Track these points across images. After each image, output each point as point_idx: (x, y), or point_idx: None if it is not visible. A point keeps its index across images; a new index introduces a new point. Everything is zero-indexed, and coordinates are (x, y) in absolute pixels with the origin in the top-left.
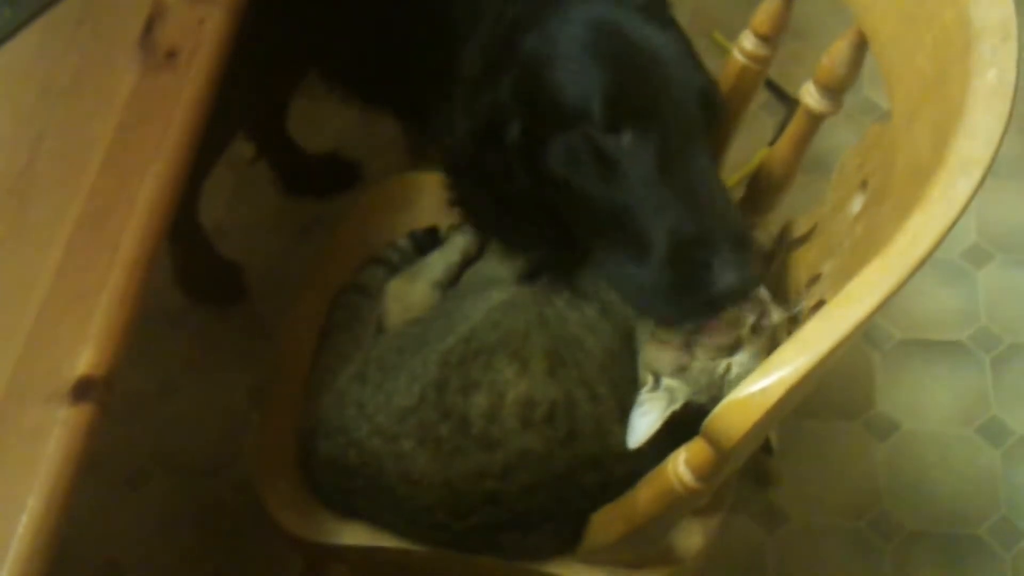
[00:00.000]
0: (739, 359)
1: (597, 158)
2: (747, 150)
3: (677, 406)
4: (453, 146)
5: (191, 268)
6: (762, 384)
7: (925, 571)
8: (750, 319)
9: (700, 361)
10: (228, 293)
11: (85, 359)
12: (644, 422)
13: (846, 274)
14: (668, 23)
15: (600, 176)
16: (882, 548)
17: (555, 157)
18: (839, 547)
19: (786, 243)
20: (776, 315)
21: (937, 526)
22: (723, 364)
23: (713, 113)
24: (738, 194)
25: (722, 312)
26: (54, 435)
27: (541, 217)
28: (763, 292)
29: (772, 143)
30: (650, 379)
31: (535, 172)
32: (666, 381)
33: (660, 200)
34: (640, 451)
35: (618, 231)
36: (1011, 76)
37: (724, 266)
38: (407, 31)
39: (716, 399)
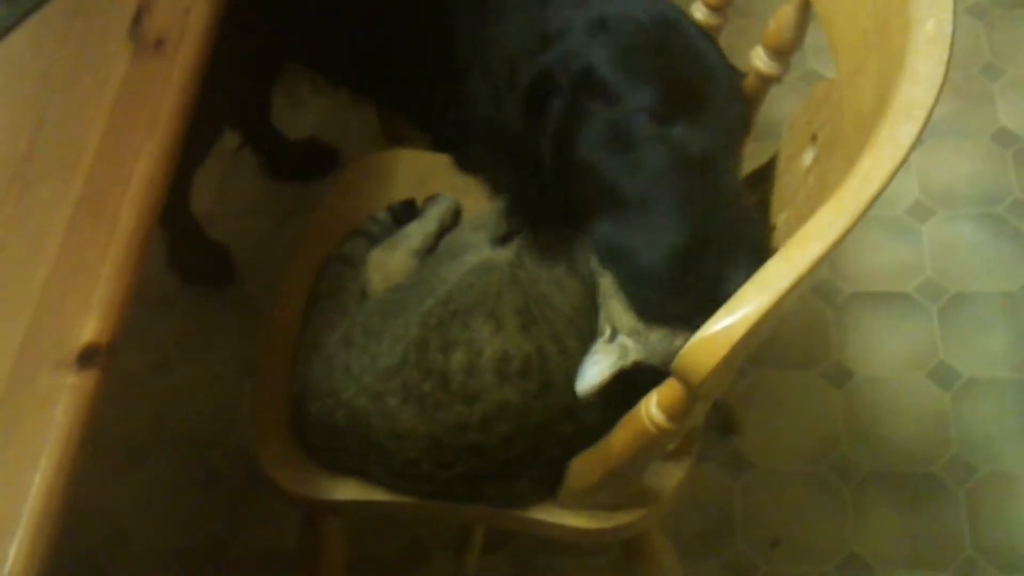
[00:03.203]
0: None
1: (638, 144)
2: None
3: (627, 363)
4: (491, 116)
5: (183, 252)
6: (727, 322)
7: (884, 509)
8: None
9: (658, 332)
10: (219, 274)
11: (90, 327)
12: (594, 371)
13: (801, 222)
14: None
15: (634, 162)
16: (842, 489)
17: (591, 138)
18: (802, 490)
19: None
20: None
21: (894, 466)
22: (681, 337)
23: (746, 134)
24: None
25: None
26: (63, 400)
27: (553, 195)
28: None
29: None
30: (608, 331)
31: (564, 150)
32: (622, 337)
33: (690, 195)
34: (608, 400)
35: (636, 217)
36: (948, 26)
37: (736, 276)
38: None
39: (668, 365)
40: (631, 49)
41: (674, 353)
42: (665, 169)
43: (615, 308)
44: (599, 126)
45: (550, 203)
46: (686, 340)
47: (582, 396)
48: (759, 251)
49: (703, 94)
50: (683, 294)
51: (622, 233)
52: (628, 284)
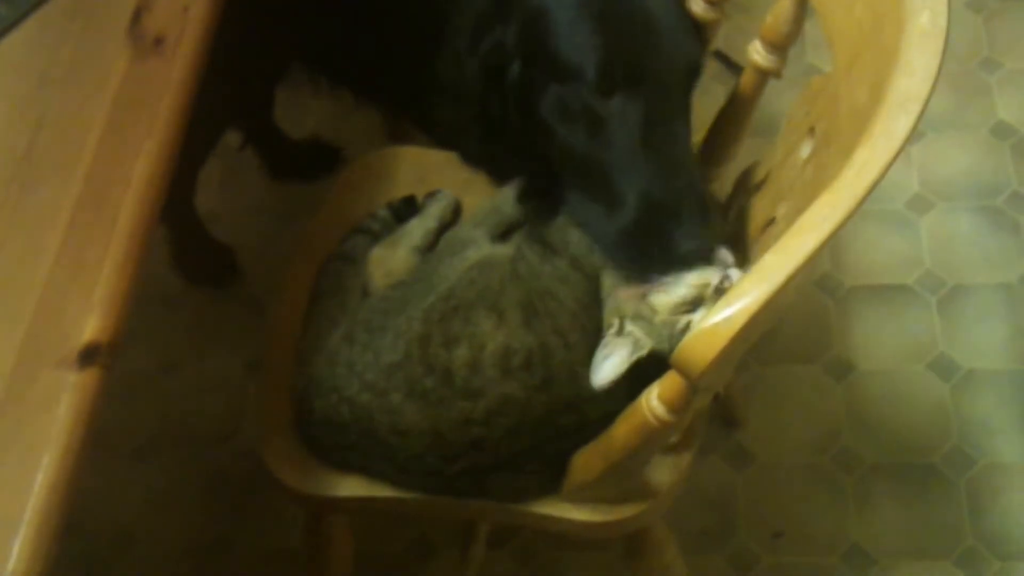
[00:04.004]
0: (699, 317)
1: (585, 115)
2: (698, 117)
3: (643, 353)
4: (458, 81)
5: (187, 252)
6: (726, 313)
7: (886, 500)
8: (714, 280)
9: (661, 316)
10: (222, 274)
11: (91, 326)
12: (609, 364)
13: (799, 214)
14: None
15: (585, 131)
16: (844, 481)
17: (547, 105)
18: (804, 482)
19: (742, 192)
20: (737, 278)
21: (894, 457)
22: (684, 320)
23: (696, 79)
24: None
25: (681, 271)
26: (65, 399)
27: (527, 156)
28: (726, 255)
29: None
30: (615, 323)
31: (528, 114)
32: (630, 327)
33: (637, 164)
34: (611, 393)
35: (594, 183)
36: (943, 19)
37: (685, 235)
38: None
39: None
40: (577, 20)
41: (678, 336)
42: (609, 140)
43: (619, 298)
44: (550, 97)
45: (525, 165)
46: (688, 324)
47: (599, 388)
48: (702, 209)
49: (645, 61)
50: (644, 254)
51: (582, 199)
52: (599, 247)
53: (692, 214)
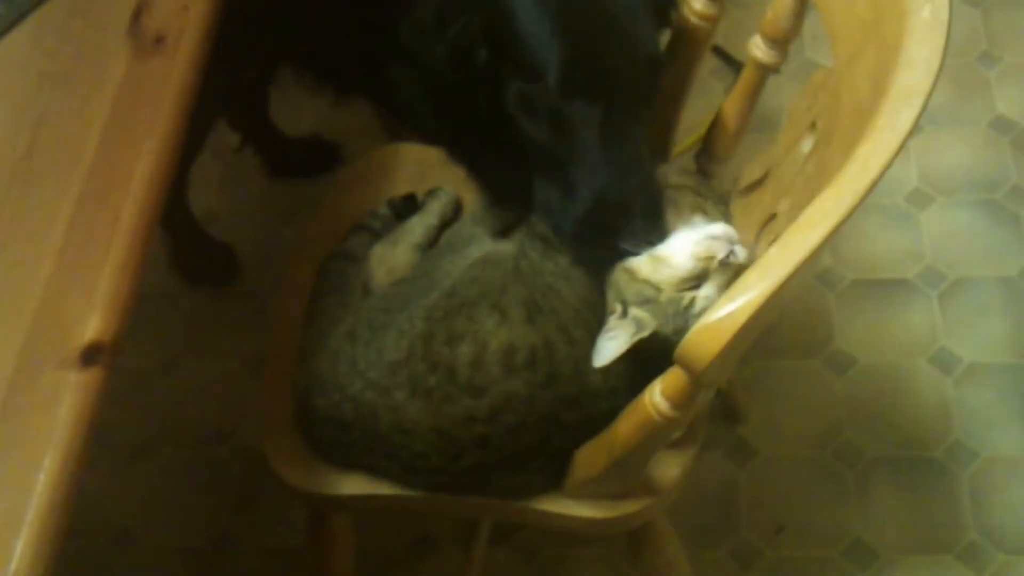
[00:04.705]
0: (704, 293)
1: (546, 113)
2: (698, 114)
3: (645, 333)
4: (427, 69)
5: (185, 252)
6: (729, 308)
7: (888, 494)
8: (719, 255)
9: (667, 293)
10: (221, 273)
11: (92, 326)
12: (611, 345)
13: (801, 209)
14: None
15: (546, 127)
16: (846, 475)
17: (511, 98)
18: (806, 476)
19: (743, 187)
20: (743, 254)
21: (896, 451)
22: (688, 297)
23: (657, 79)
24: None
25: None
26: (66, 398)
27: (497, 143)
28: (732, 232)
29: None
30: (618, 307)
31: (494, 102)
32: (633, 311)
33: (593, 163)
34: (615, 389)
35: (553, 174)
36: (945, 12)
37: (631, 233)
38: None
39: (681, 331)
40: (539, 19)
41: (683, 313)
42: (568, 137)
43: (621, 281)
44: (514, 90)
45: (496, 154)
46: (693, 300)
47: (598, 367)
48: (653, 208)
49: (606, 62)
50: (593, 243)
51: (543, 183)
52: (553, 230)
53: (643, 212)
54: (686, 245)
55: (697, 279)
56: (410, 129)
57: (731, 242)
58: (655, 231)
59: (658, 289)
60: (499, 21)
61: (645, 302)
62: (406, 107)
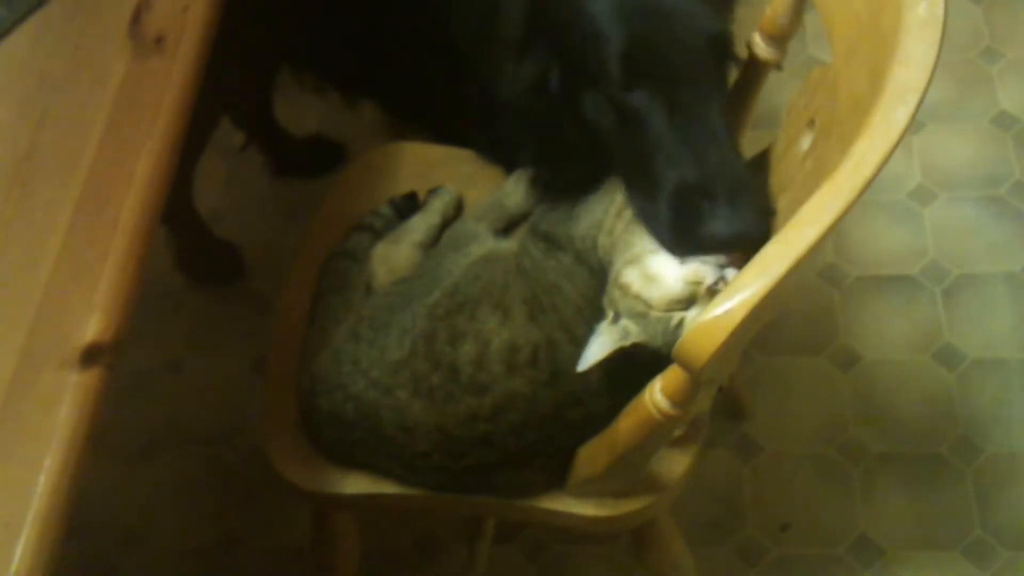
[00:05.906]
0: (692, 315)
1: (617, 112)
2: None
3: (627, 343)
4: (511, 96)
5: (190, 251)
6: (726, 306)
7: (893, 490)
8: (708, 280)
9: (656, 312)
10: (226, 273)
11: (93, 326)
12: (592, 348)
13: (799, 206)
14: None
15: (621, 126)
16: (851, 471)
17: (587, 108)
18: (811, 473)
19: None
20: (732, 278)
21: (901, 447)
22: (677, 318)
23: (725, 59)
24: None
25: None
26: (67, 399)
27: (585, 154)
28: (722, 257)
29: None
30: (611, 314)
31: (576, 117)
32: (624, 321)
33: (668, 150)
34: (617, 387)
35: (637, 172)
36: (940, 8)
37: (715, 217)
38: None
39: (670, 346)
40: (596, 21)
41: (672, 332)
42: (641, 129)
43: (614, 295)
44: (589, 101)
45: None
46: (681, 321)
47: (580, 372)
48: (736, 186)
49: (664, 49)
50: (681, 234)
51: (635, 192)
52: (648, 230)
53: (726, 196)
54: (676, 267)
55: (686, 302)
56: (502, 164)
57: (721, 267)
58: (740, 219)
59: (648, 306)
60: (563, 40)
61: (636, 316)
62: (508, 152)
